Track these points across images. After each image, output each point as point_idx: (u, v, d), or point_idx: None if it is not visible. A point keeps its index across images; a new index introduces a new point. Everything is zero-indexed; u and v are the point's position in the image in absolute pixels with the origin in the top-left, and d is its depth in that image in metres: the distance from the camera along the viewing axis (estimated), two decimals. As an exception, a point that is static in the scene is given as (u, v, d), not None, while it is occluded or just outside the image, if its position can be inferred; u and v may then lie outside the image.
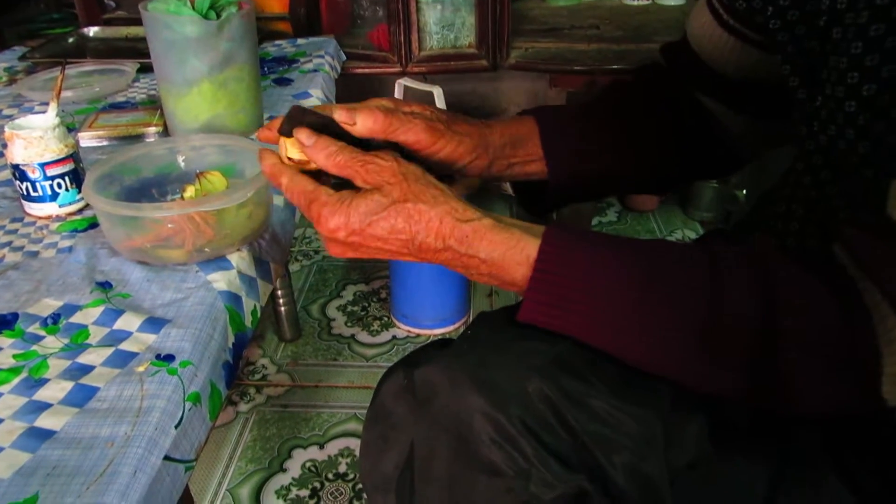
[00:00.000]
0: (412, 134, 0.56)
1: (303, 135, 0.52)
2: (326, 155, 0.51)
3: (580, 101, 0.76)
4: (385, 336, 1.65)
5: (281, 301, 1.57)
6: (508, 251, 0.49)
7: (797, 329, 0.45)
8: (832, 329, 0.44)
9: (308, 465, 1.31)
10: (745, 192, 1.98)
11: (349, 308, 1.74)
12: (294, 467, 1.31)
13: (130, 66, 1.19)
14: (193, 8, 0.89)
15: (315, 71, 1.23)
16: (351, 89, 2.06)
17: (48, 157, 0.72)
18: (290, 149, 0.53)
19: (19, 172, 0.73)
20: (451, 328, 1.65)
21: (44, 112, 0.76)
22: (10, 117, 1.03)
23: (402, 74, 1.48)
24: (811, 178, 0.58)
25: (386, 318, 1.70)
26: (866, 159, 0.49)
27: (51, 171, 0.73)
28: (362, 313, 1.72)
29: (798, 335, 0.45)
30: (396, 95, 1.46)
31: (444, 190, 0.52)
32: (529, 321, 0.50)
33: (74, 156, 0.75)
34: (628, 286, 0.48)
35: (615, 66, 1.50)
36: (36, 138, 0.71)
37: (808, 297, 0.45)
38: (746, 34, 0.67)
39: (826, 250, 0.48)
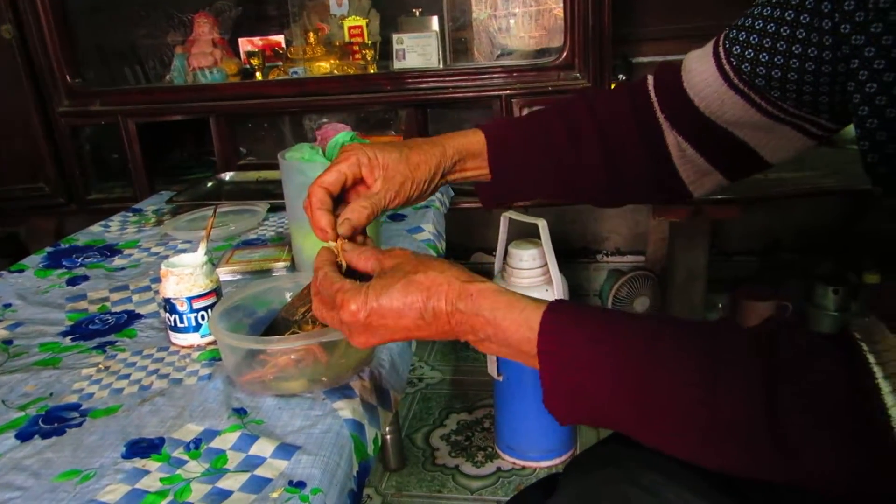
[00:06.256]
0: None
1: (346, 244, 0.63)
2: (357, 255, 0.62)
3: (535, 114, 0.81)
4: (490, 468, 1.62)
5: (387, 429, 1.58)
6: (510, 312, 0.52)
7: (799, 392, 0.43)
8: (840, 401, 0.42)
9: None
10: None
11: (453, 437, 1.73)
12: None
13: (261, 207, 1.31)
14: (325, 155, 0.99)
15: (426, 207, 1.31)
16: (458, 222, 2.15)
17: (196, 292, 0.80)
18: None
19: (169, 306, 0.80)
20: (557, 461, 1.60)
21: (187, 249, 0.85)
22: (158, 254, 1.15)
23: (507, 208, 1.55)
24: None
25: (490, 449, 1.67)
26: None
27: (197, 305, 0.80)
28: (466, 443, 1.70)
29: (800, 400, 0.43)
30: (501, 228, 1.52)
31: (451, 263, 0.57)
32: (548, 390, 0.51)
33: (217, 290, 0.83)
34: (629, 357, 0.48)
35: (719, 197, 1.51)
36: (187, 275, 0.79)
37: (812, 364, 0.44)
38: (751, 97, 0.66)
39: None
